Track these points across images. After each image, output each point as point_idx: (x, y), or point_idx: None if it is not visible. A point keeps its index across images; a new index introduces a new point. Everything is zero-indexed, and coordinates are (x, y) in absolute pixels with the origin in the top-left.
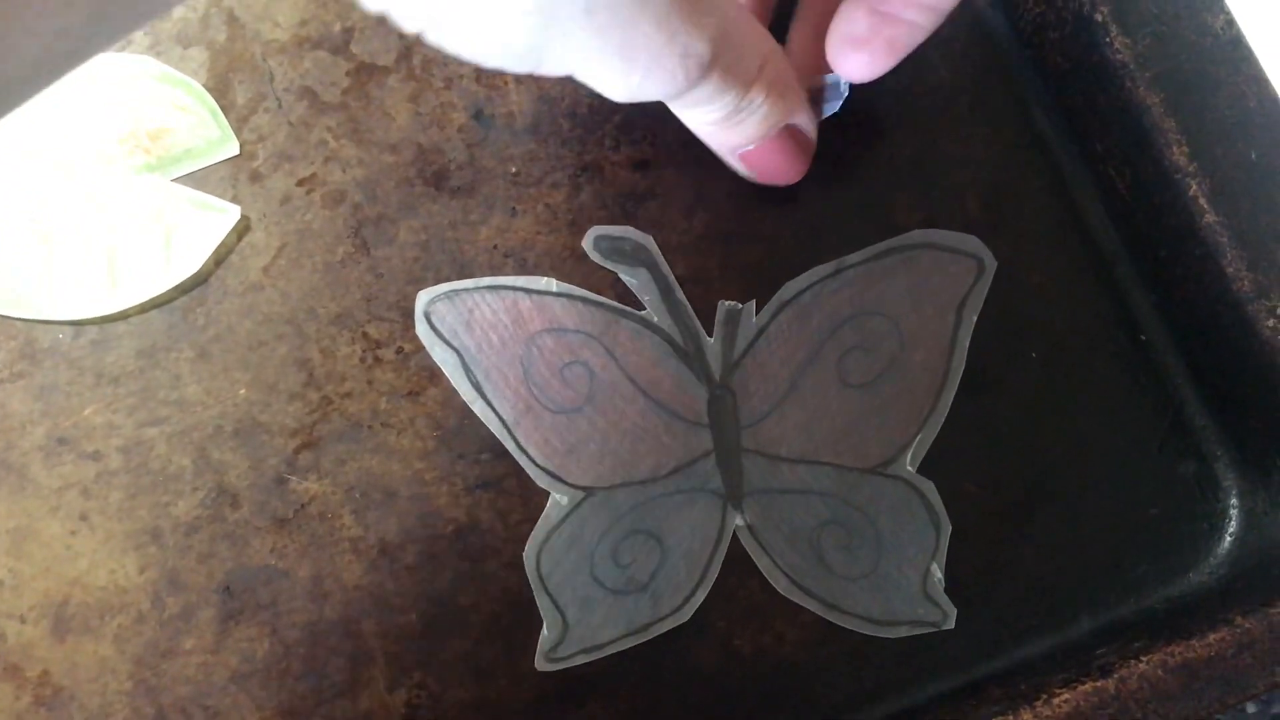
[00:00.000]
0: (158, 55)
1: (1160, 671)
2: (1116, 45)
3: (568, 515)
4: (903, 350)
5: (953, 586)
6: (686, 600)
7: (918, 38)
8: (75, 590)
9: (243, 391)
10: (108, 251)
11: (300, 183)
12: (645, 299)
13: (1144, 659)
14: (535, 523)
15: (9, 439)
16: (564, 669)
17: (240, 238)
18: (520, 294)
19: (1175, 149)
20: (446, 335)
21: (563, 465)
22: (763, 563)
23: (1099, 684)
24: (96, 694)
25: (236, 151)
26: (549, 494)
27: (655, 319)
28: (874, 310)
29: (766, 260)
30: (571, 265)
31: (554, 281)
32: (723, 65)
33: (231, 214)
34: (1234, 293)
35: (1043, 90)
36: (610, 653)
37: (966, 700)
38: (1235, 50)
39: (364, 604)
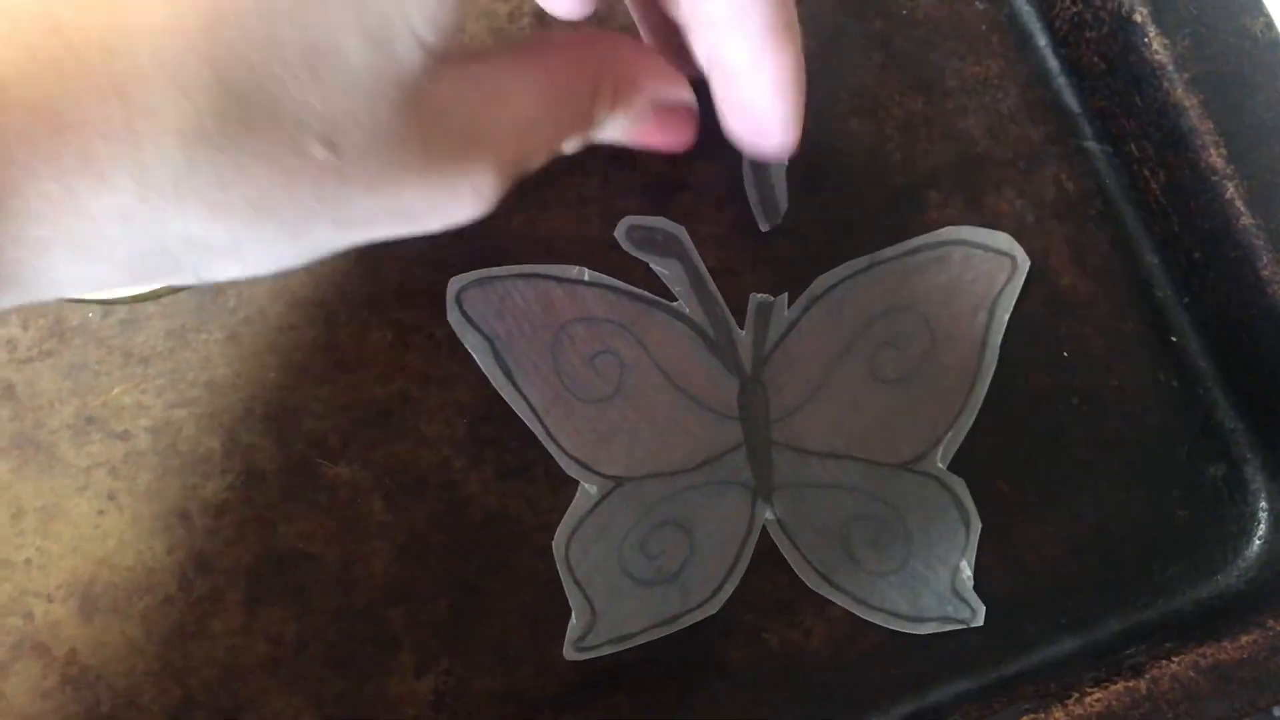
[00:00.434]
0: None
1: (1192, 672)
2: (1155, 46)
3: (597, 505)
4: (934, 347)
5: (981, 584)
6: (715, 592)
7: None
8: (103, 570)
9: (272, 374)
10: None
11: None
12: (677, 290)
13: (1175, 659)
14: (564, 512)
15: (38, 417)
16: (592, 659)
17: None
18: (552, 282)
19: (1213, 151)
20: (478, 322)
21: (592, 455)
22: (792, 556)
23: (1130, 684)
24: (123, 674)
25: None
26: (578, 483)
27: (686, 310)
28: (906, 306)
29: (799, 254)
30: (603, 255)
31: (586, 271)
32: (540, 142)
33: None
34: (1269, 296)
35: (1078, 91)
36: (638, 643)
37: (995, 697)
38: (1274, 53)
39: (392, 590)
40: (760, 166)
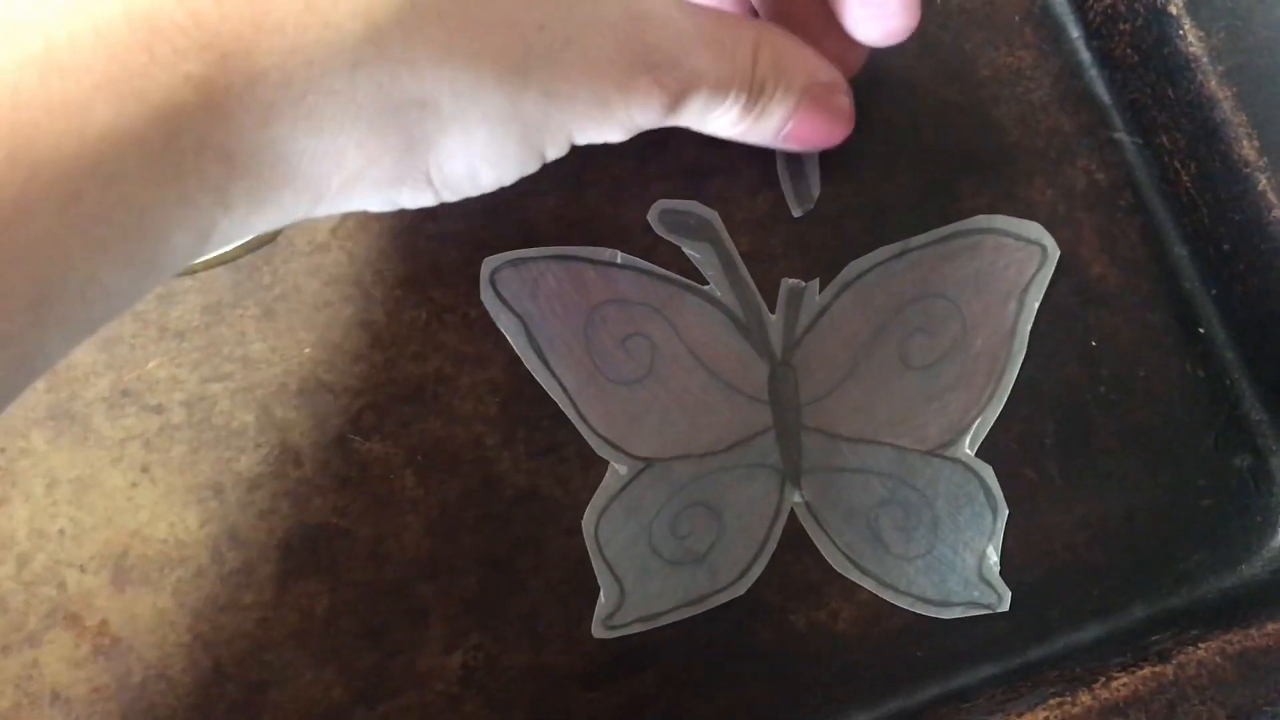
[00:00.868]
0: None
1: (1218, 659)
2: (1190, 38)
3: (626, 485)
4: (964, 334)
5: (1007, 570)
6: (743, 574)
7: None
8: (135, 542)
9: (308, 350)
10: None
11: None
12: (709, 274)
13: (1202, 646)
14: (594, 491)
15: (73, 389)
16: (620, 637)
17: None
18: (585, 264)
19: (1245, 143)
20: (511, 302)
21: (623, 435)
22: (819, 540)
23: (1157, 669)
24: (155, 645)
25: None
26: (608, 463)
27: (718, 294)
28: (937, 293)
29: (831, 240)
30: (637, 237)
31: (619, 253)
32: (701, 65)
33: None
34: None
35: (1110, 83)
36: (666, 622)
37: (1021, 682)
38: None
39: (423, 565)
40: (793, 156)
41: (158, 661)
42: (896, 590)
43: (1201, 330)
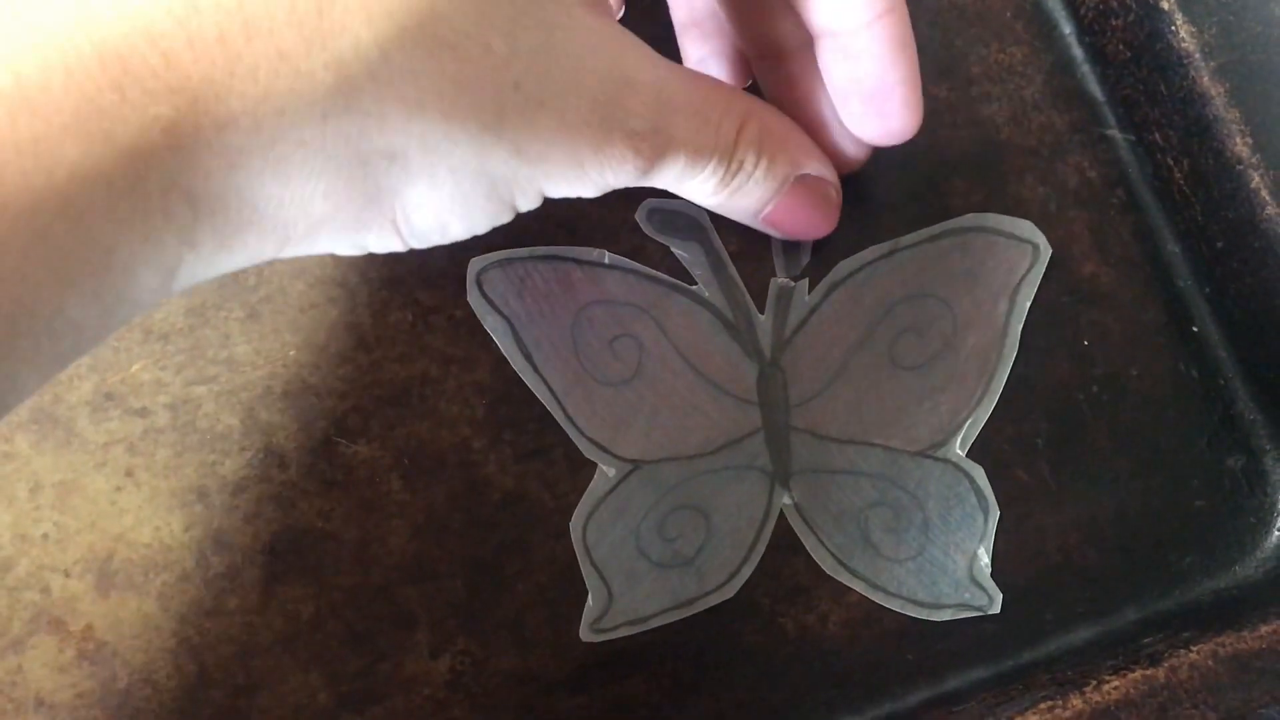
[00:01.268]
0: None
1: (1211, 662)
2: (1182, 34)
3: (614, 487)
4: (955, 334)
5: (999, 572)
6: (732, 576)
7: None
8: (120, 546)
9: (293, 353)
10: None
11: None
12: (697, 274)
13: (1194, 649)
14: (582, 494)
15: (56, 393)
16: (608, 641)
17: None
18: (572, 264)
19: (1238, 140)
20: (498, 303)
21: (611, 437)
22: (809, 542)
23: (1149, 672)
24: (140, 650)
25: None
26: (596, 465)
27: (706, 294)
28: (927, 293)
29: (820, 239)
30: (624, 237)
31: (606, 253)
32: (681, 132)
33: None
34: None
35: (1102, 79)
36: (654, 626)
37: (1012, 685)
38: None
39: (410, 569)
40: None
41: (142, 667)
42: (887, 592)
43: (1195, 329)
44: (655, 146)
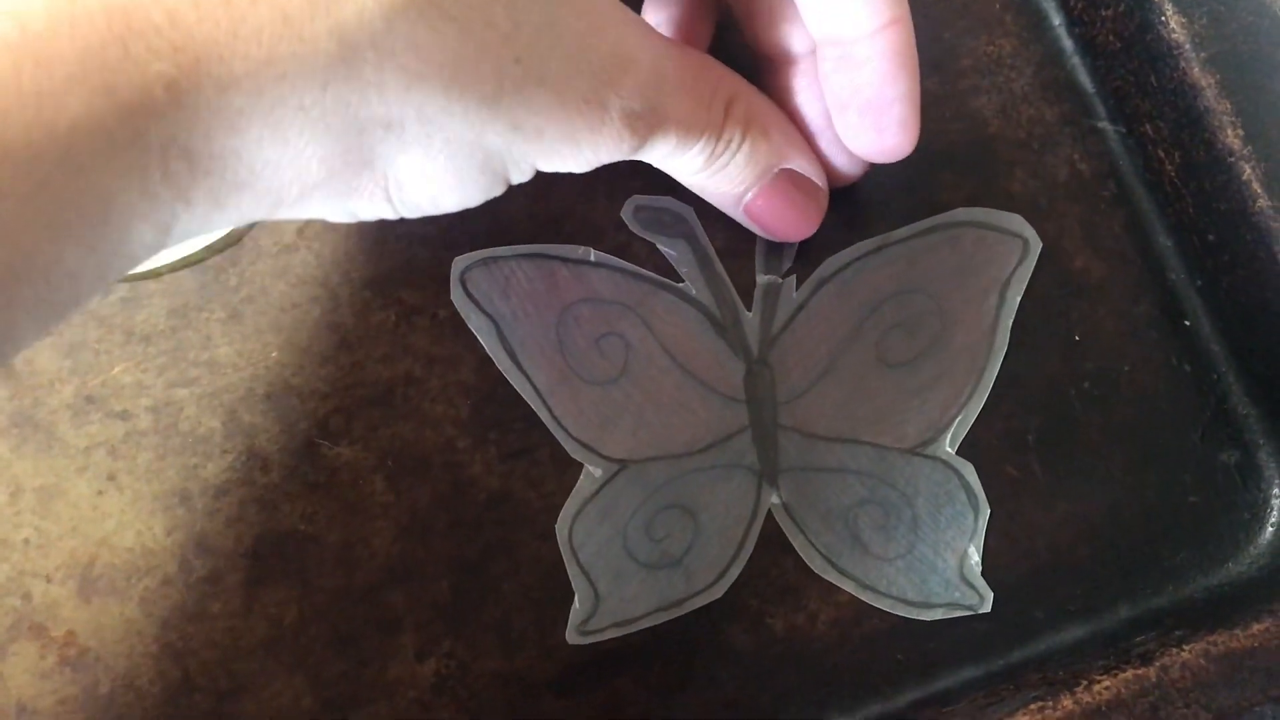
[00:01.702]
0: None
1: (1203, 660)
2: (1172, 25)
3: (601, 488)
4: (944, 330)
5: (989, 570)
6: (720, 577)
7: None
8: (102, 551)
9: (275, 354)
10: None
11: None
12: (683, 271)
13: (1186, 647)
14: (569, 494)
15: (37, 396)
16: (595, 642)
17: None
18: (557, 263)
19: (1229, 132)
20: (482, 302)
21: (597, 437)
22: (797, 541)
23: (1140, 671)
24: (122, 656)
25: None
26: (583, 466)
27: (693, 291)
28: (916, 288)
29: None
30: (610, 235)
31: (592, 251)
32: (674, 109)
33: None
34: None
35: (1092, 71)
36: (642, 627)
37: (1003, 685)
38: None
39: (394, 572)
40: None
41: (125, 672)
42: (876, 592)
43: (1187, 323)
44: (649, 124)
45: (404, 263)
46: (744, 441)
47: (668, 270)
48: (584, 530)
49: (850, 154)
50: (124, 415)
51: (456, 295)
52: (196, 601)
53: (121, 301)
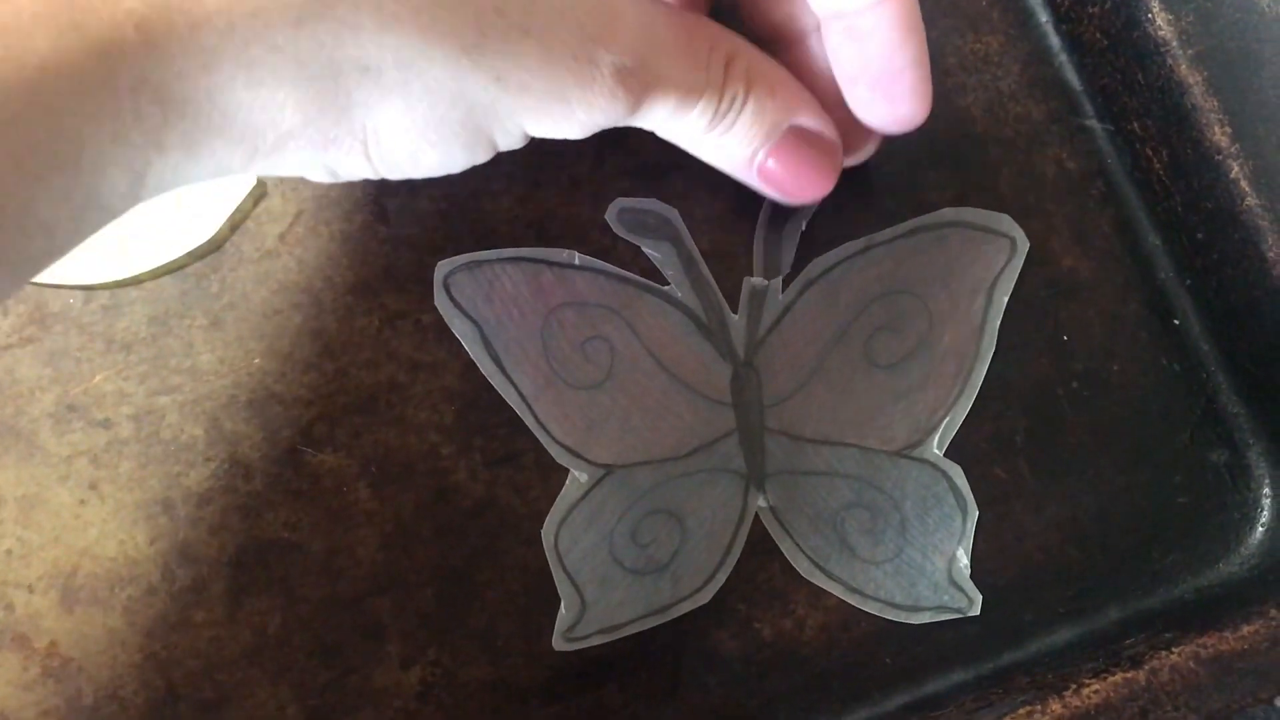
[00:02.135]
0: None
1: (1192, 663)
2: (1159, 21)
3: (587, 493)
4: (932, 331)
5: (978, 573)
6: (707, 581)
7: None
8: (84, 560)
9: (257, 361)
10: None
11: None
12: (669, 273)
13: (1175, 650)
14: (554, 500)
15: (18, 405)
16: (581, 649)
17: (256, 204)
18: (542, 266)
19: (1217, 129)
20: (466, 307)
21: (582, 442)
22: (785, 545)
23: (1129, 675)
24: (106, 666)
25: None
26: (568, 471)
27: (679, 294)
28: (903, 289)
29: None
30: (594, 237)
31: (576, 254)
32: (670, 69)
33: (248, 179)
34: (1273, 278)
35: (1079, 68)
36: (629, 633)
37: (992, 688)
38: None
39: (379, 579)
40: (777, 221)
41: (109, 682)
42: (864, 595)
43: (1176, 322)
44: (643, 83)
45: (387, 267)
46: (731, 445)
47: (653, 273)
48: (570, 536)
49: (863, 130)
50: (106, 424)
51: (440, 300)
52: (180, 611)
53: (102, 309)
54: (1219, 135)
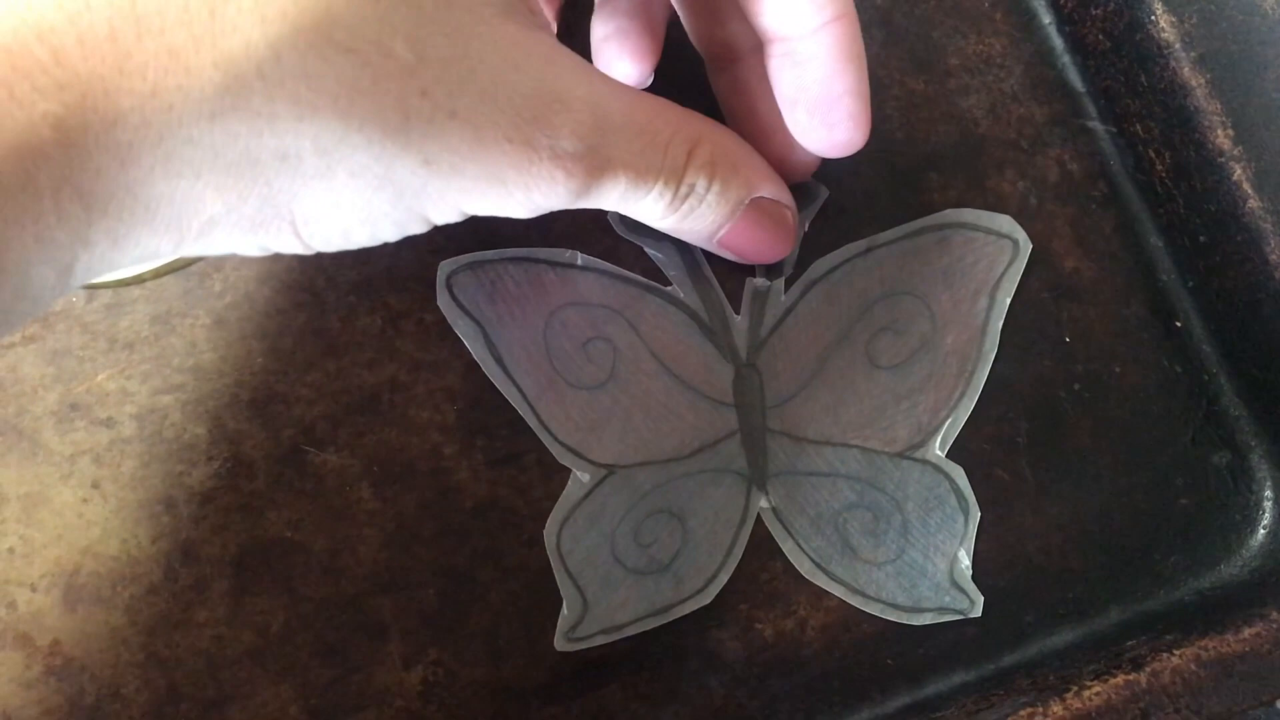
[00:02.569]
0: None
1: (1193, 665)
2: (1162, 24)
3: (589, 493)
4: (934, 332)
5: (980, 574)
6: (709, 582)
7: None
8: (87, 559)
9: (260, 360)
10: None
11: None
12: (671, 274)
13: (1176, 652)
14: (556, 500)
15: (21, 404)
16: (583, 649)
17: None
18: (544, 266)
19: (1220, 132)
20: (469, 307)
21: (584, 442)
22: (787, 546)
23: (1130, 677)
24: (108, 665)
25: None
26: (570, 471)
27: (681, 295)
28: (905, 290)
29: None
30: (597, 238)
31: (579, 254)
32: (623, 153)
33: None
34: (1276, 280)
35: (1082, 70)
36: (630, 634)
37: (993, 690)
38: None
39: (380, 579)
40: None
41: (111, 681)
42: (866, 596)
43: (1178, 324)
44: (590, 168)
45: (389, 267)
46: (733, 446)
47: (655, 274)
48: (572, 536)
49: (804, 149)
50: (108, 423)
51: (443, 300)
52: (182, 610)
53: (105, 308)
54: (1221, 138)
